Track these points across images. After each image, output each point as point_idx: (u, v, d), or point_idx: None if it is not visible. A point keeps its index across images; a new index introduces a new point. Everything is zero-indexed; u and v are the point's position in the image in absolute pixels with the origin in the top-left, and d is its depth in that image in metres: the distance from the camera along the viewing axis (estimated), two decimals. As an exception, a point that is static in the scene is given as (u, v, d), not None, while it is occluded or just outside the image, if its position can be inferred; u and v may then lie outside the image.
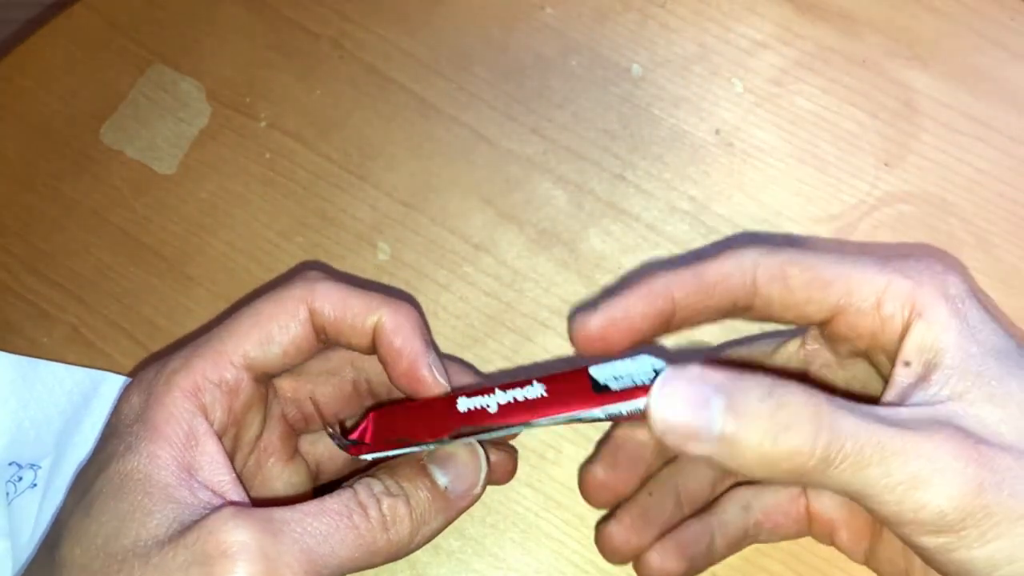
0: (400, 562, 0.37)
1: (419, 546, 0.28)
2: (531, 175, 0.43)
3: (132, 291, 0.42)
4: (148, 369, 0.29)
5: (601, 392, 0.27)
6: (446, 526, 0.29)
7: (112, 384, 0.39)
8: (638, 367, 0.27)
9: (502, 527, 0.38)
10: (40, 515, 0.36)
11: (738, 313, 0.30)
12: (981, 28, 0.45)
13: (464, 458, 0.30)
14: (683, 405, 0.25)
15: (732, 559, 0.37)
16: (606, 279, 0.41)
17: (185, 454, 0.27)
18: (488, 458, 0.30)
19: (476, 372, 0.39)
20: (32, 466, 0.37)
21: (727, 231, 0.42)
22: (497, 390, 0.28)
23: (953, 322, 0.27)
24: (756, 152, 0.43)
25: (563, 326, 0.40)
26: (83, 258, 0.42)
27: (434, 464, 0.29)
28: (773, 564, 0.37)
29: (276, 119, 0.45)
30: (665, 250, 0.42)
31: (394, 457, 0.30)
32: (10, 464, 0.38)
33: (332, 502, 0.27)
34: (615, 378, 0.27)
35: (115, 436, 0.28)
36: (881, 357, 0.30)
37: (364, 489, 0.28)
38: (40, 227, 0.43)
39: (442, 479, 0.29)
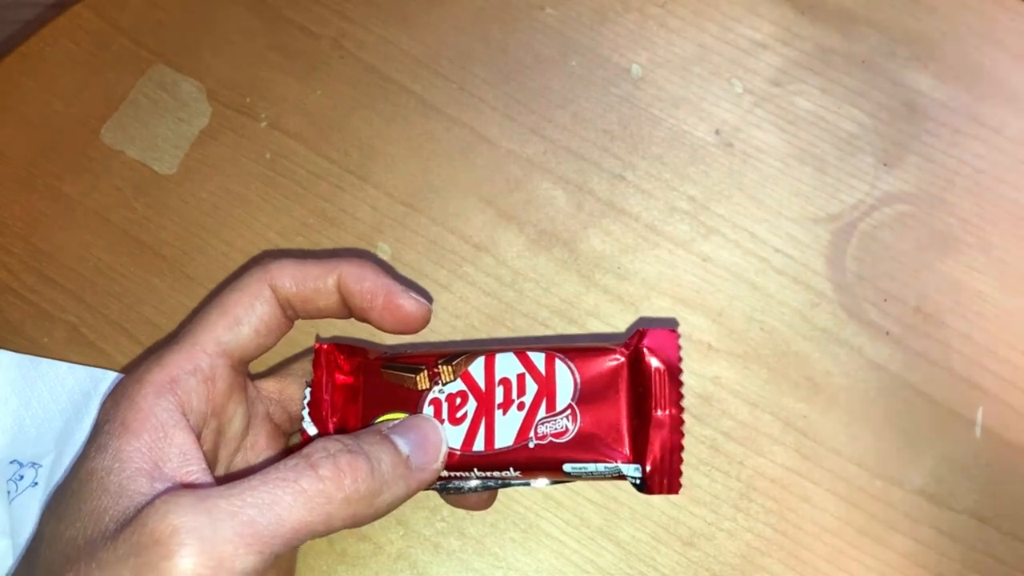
0: (401, 561, 0.37)
1: (381, 514, 0.28)
2: (531, 175, 0.43)
3: (132, 291, 0.42)
4: (129, 375, 0.29)
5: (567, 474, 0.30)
6: (407, 498, 0.28)
7: (113, 382, 0.39)
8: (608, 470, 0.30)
9: (502, 527, 0.38)
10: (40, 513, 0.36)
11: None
12: (981, 28, 0.45)
13: (426, 430, 0.29)
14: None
15: (732, 559, 0.37)
16: (606, 279, 0.41)
17: (153, 447, 0.27)
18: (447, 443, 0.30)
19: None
20: (33, 464, 0.37)
21: (727, 231, 0.42)
22: (476, 469, 0.30)
23: None
24: (756, 152, 0.43)
25: (563, 326, 0.40)
26: (83, 258, 0.42)
27: (396, 434, 0.29)
28: (773, 564, 0.37)
29: (276, 119, 0.45)
30: (665, 250, 0.42)
31: None
32: (11, 462, 0.38)
33: (277, 468, 0.26)
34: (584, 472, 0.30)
35: (91, 440, 0.28)
36: None
37: (319, 448, 0.27)
38: (40, 227, 0.43)
39: (404, 447, 0.28)
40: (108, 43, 0.46)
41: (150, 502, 0.24)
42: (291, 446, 0.34)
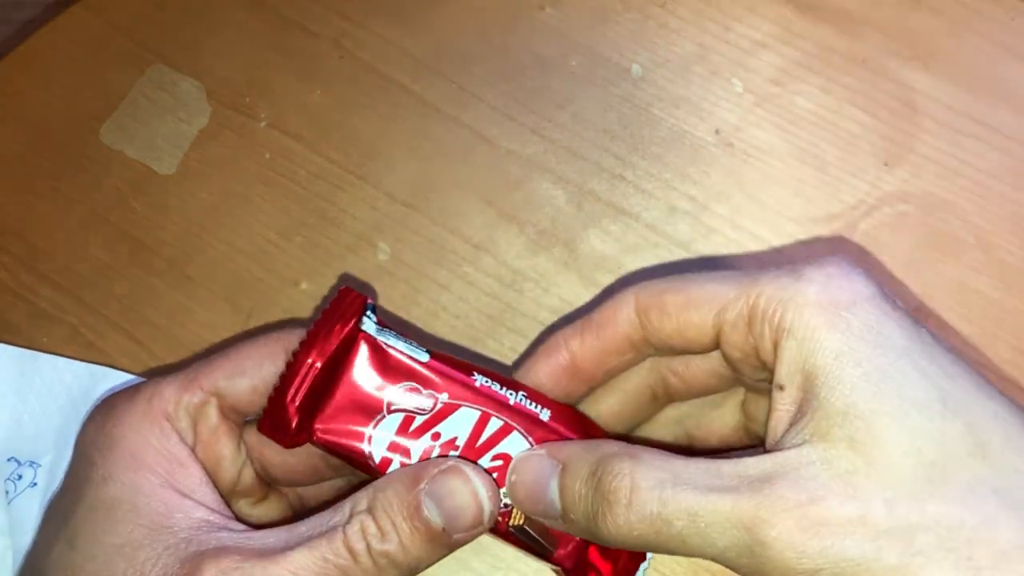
0: (400, 562, 0.37)
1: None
2: (531, 175, 0.43)
3: (132, 291, 0.42)
4: (116, 394, 0.29)
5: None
6: (446, 556, 0.27)
7: (111, 380, 0.39)
8: None
9: (502, 527, 0.38)
10: (40, 514, 0.36)
11: (645, 351, 0.29)
12: (981, 28, 0.45)
13: (461, 495, 0.27)
14: (529, 488, 0.27)
15: (732, 559, 0.37)
16: (606, 279, 0.41)
17: (172, 479, 0.27)
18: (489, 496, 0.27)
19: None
20: (32, 464, 0.37)
21: (727, 231, 0.42)
22: None
23: (829, 338, 0.24)
24: (756, 152, 0.43)
25: (563, 326, 0.40)
26: (83, 258, 0.42)
27: (431, 500, 0.26)
28: (773, 564, 0.37)
29: (276, 119, 0.45)
30: (665, 250, 0.42)
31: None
32: (9, 460, 0.37)
33: (323, 549, 0.25)
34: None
35: (86, 461, 0.28)
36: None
37: (355, 534, 0.25)
38: (40, 227, 0.43)
39: (437, 520, 0.26)
40: (107, 43, 0.46)
41: (203, 562, 0.24)
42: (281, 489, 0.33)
